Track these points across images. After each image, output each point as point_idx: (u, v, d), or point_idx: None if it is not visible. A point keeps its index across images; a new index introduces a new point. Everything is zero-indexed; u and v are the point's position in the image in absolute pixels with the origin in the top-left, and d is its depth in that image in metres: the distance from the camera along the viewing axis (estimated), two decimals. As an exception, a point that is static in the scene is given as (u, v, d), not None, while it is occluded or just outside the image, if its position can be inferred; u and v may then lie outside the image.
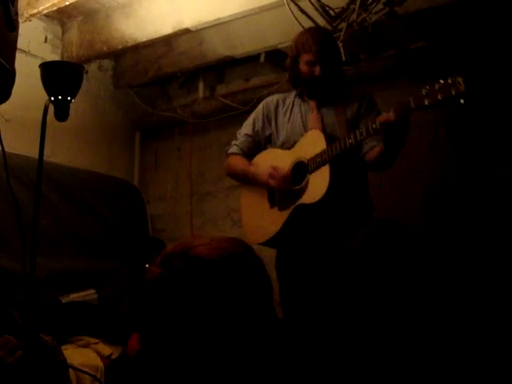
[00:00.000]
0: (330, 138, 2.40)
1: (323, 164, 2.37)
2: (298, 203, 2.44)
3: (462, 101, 2.01)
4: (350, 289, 2.35)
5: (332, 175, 2.34)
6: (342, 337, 2.28)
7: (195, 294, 1.03)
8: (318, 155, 2.40)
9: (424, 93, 2.07)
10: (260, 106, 2.75)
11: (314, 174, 2.41)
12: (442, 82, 2.03)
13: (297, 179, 2.48)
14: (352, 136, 2.29)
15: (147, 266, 3.39)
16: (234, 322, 1.05)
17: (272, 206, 2.59)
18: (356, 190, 2.47)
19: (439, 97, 2.03)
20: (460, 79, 1.99)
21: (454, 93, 2.00)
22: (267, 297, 1.12)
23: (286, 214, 2.49)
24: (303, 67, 2.53)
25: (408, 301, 2.48)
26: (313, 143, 2.44)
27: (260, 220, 2.63)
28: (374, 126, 2.22)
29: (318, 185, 2.38)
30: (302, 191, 2.44)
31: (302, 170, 2.47)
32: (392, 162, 2.40)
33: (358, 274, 2.34)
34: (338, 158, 2.33)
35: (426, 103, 2.07)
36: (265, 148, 2.73)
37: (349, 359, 2.20)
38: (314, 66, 2.50)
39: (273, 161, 2.59)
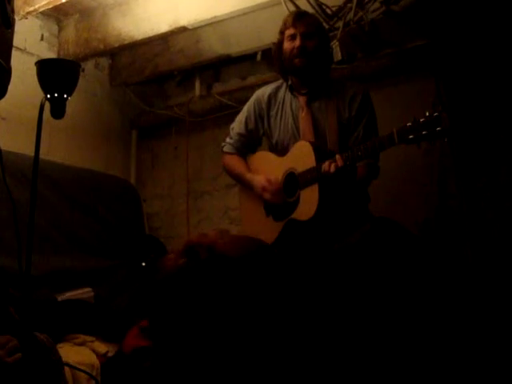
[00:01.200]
0: (319, 152, 2.38)
1: (312, 182, 2.36)
2: (290, 217, 2.46)
3: (445, 139, 2.02)
4: (346, 288, 2.35)
5: (321, 194, 2.34)
6: (338, 336, 2.28)
7: (218, 288, 1.02)
8: (307, 172, 2.38)
9: (408, 126, 2.06)
10: (251, 103, 2.72)
11: (304, 191, 2.41)
12: (427, 114, 2.02)
13: (289, 190, 2.48)
14: (341, 160, 2.26)
15: (143, 264, 3.38)
16: (252, 320, 1.04)
17: (267, 214, 2.61)
18: (350, 196, 2.46)
19: (423, 132, 2.02)
20: (445, 115, 1.98)
21: (437, 130, 1.99)
22: (285, 296, 1.11)
23: (280, 225, 2.52)
24: (286, 45, 2.51)
25: (404, 301, 2.48)
26: (303, 156, 2.43)
27: (258, 226, 2.65)
28: (359, 153, 2.22)
29: (308, 203, 2.38)
30: (295, 205, 2.45)
31: (293, 181, 2.47)
32: (373, 177, 2.49)
33: (354, 272, 2.34)
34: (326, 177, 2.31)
35: (409, 137, 2.05)
36: (260, 144, 2.74)
37: (345, 359, 2.20)
38: (295, 38, 2.47)
39: (266, 167, 2.61)
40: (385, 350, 2.22)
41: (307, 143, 2.44)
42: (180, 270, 1.05)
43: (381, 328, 2.25)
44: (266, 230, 2.57)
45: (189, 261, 1.05)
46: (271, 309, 1.07)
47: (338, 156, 2.26)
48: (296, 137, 2.55)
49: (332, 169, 2.24)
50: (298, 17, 2.53)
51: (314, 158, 2.37)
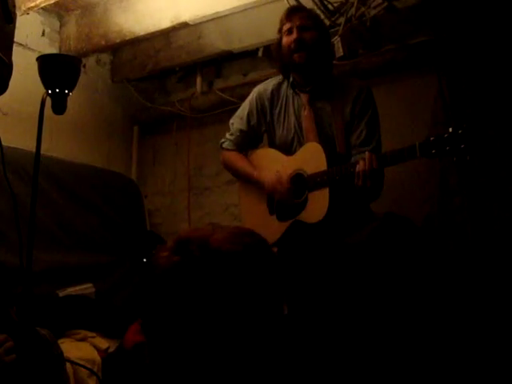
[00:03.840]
0: (330, 155, 2.35)
1: (322, 185, 2.33)
2: (296, 218, 2.43)
3: (468, 157, 1.96)
4: (355, 283, 2.32)
5: (331, 198, 2.31)
6: (344, 332, 2.26)
7: (213, 285, 1.00)
8: (317, 175, 2.35)
9: (431, 141, 2.01)
10: (253, 98, 2.67)
11: (313, 194, 2.37)
12: (450, 130, 1.97)
13: (296, 190, 2.45)
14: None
15: (144, 260, 3.38)
16: (249, 318, 1.03)
17: (271, 212, 2.57)
18: (355, 200, 2.42)
19: (447, 148, 1.98)
20: (470, 133, 1.94)
21: (462, 147, 1.95)
22: (280, 293, 1.10)
23: (284, 225, 2.48)
24: (283, 40, 2.47)
25: (412, 297, 2.46)
26: (313, 158, 2.39)
27: (260, 225, 2.59)
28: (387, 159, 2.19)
29: (316, 206, 2.35)
30: (301, 207, 2.42)
31: (301, 182, 2.44)
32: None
33: (364, 268, 2.32)
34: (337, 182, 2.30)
35: (432, 152, 2.02)
36: (261, 141, 2.72)
37: (351, 355, 2.19)
38: (291, 32, 2.43)
39: (271, 165, 2.56)
40: (392, 348, 2.21)
41: (318, 145, 2.40)
42: (174, 268, 1.03)
43: (386, 326, 2.25)
44: (269, 228, 2.53)
45: (182, 259, 1.03)
46: (268, 305, 1.06)
47: (373, 156, 2.19)
48: (299, 135, 2.52)
49: (374, 164, 2.18)
50: (293, 10, 2.51)
51: (324, 160, 2.34)
